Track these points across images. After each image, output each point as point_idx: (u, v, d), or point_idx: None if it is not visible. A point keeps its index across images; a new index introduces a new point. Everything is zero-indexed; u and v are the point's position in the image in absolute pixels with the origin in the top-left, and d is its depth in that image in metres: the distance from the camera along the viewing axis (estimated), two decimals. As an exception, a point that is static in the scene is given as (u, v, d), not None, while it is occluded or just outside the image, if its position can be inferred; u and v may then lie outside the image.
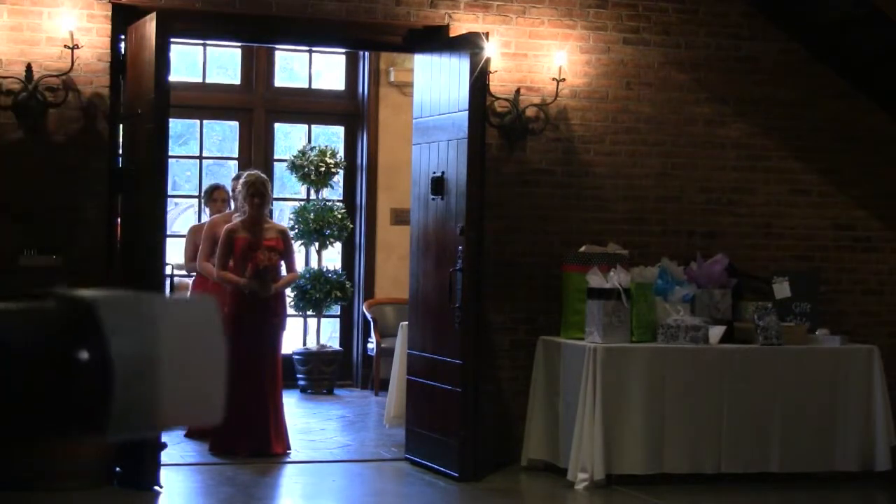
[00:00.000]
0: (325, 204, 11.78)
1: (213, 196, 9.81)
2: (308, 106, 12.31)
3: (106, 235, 7.83)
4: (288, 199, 12.67)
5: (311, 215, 11.60)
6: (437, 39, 8.38)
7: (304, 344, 11.93)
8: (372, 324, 11.74)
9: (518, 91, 8.47)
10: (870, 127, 9.26)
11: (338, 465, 8.46)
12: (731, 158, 9.03)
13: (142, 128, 7.57)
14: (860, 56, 9.03)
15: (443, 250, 8.10)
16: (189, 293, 10.05)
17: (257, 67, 12.07)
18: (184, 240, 9.75)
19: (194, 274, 9.65)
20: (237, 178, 9.52)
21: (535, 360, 8.33)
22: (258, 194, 8.54)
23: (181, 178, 13.18)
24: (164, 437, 7.46)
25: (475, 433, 7.91)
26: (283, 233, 8.78)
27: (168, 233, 7.99)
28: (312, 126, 12.40)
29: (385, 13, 8.33)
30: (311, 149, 11.82)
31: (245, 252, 8.43)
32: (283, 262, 8.67)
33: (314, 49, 12.15)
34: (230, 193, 9.93)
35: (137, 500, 7.27)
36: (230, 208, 9.69)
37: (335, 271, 11.91)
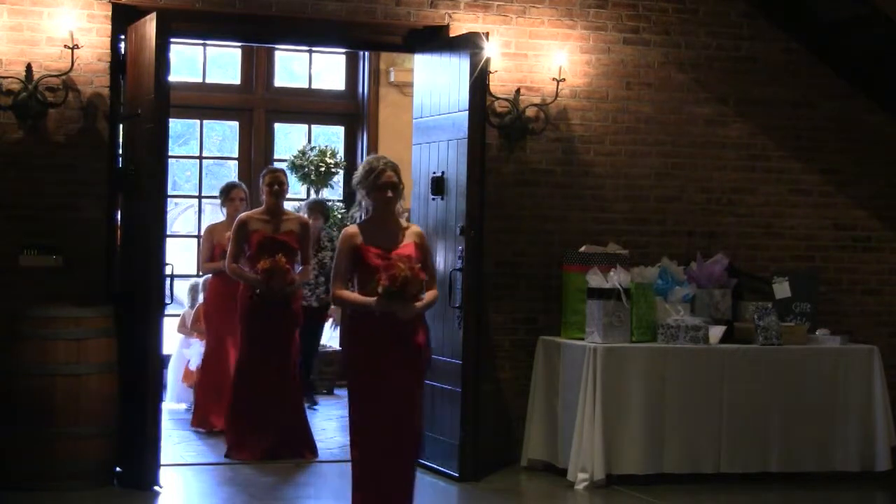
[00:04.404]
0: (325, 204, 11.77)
1: (230, 195, 9.68)
2: (308, 106, 12.30)
3: (106, 235, 7.83)
4: (288, 199, 12.63)
5: (311, 215, 11.60)
6: (437, 39, 8.38)
7: (305, 344, 11.92)
8: (372, 324, 11.71)
9: (518, 91, 8.47)
10: (870, 127, 9.27)
11: (338, 465, 8.45)
12: (731, 158, 9.03)
13: (142, 128, 7.57)
14: (860, 56, 9.03)
15: (443, 250, 8.10)
16: (203, 296, 9.95)
17: (257, 67, 12.07)
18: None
19: (210, 276, 9.57)
20: (269, 172, 8.89)
21: (535, 360, 8.33)
22: (390, 185, 6.16)
23: (181, 178, 13.19)
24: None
25: (475, 433, 7.90)
26: (420, 237, 6.28)
27: (168, 233, 7.95)
28: (312, 126, 12.39)
29: (385, 13, 8.32)
30: (311, 149, 11.82)
31: (376, 265, 6.03)
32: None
33: (314, 49, 12.15)
34: (247, 192, 9.87)
35: (137, 500, 7.27)
36: (248, 207, 9.58)
37: (335, 271, 11.89)
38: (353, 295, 6.08)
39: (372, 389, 6.03)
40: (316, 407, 10.58)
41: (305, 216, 10.17)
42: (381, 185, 6.11)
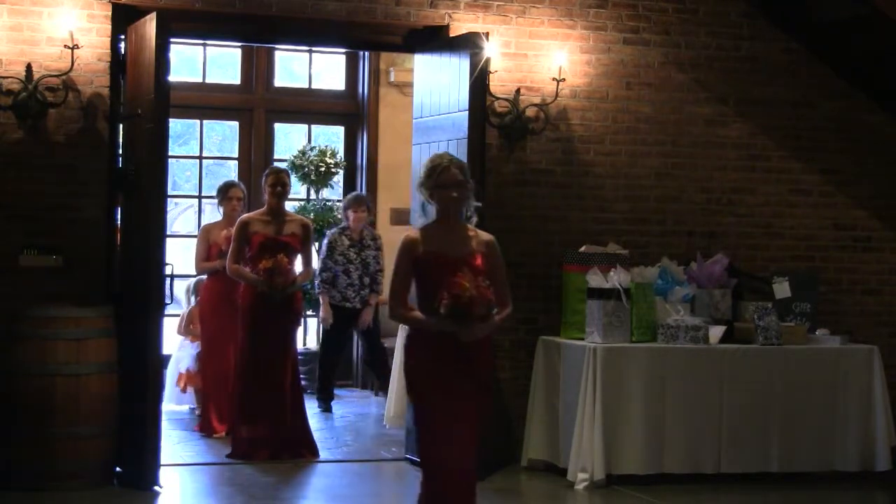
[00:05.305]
0: (325, 204, 11.77)
1: (227, 195, 9.62)
2: (308, 106, 12.30)
3: (106, 235, 7.83)
4: (288, 199, 12.62)
5: (312, 215, 11.60)
6: (437, 39, 8.38)
7: (305, 344, 11.93)
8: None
9: (518, 91, 8.47)
10: (870, 127, 9.27)
11: (338, 465, 8.45)
12: (731, 158, 9.03)
13: (142, 128, 7.57)
14: (860, 56, 9.03)
15: (443, 250, 8.08)
16: (197, 297, 9.91)
17: (257, 67, 12.07)
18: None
19: (205, 276, 9.55)
20: (272, 173, 8.82)
21: (535, 360, 8.33)
22: (455, 184, 5.55)
23: (181, 178, 13.18)
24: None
25: (475, 433, 7.88)
26: (490, 246, 5.61)
27: (168, 233, 7.94)
28: (312, 126, 12.39)
29: (385, 13, 8.33)
30: (311, 149, 11.82)
31: (439, 277, 5.38)
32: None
33: (314, 49, 12.15)
34: (245, 191, 9.84)
35: (137, 500, 7.27)
36: (246, 207, 9.54)
37: (335, 271, 11.89)
38: (417, 314, 5.45)
39: (437, 411, 5.43)
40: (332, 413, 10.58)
41: (350, 212, 10.27)
42: (445, 184, 5.50)
